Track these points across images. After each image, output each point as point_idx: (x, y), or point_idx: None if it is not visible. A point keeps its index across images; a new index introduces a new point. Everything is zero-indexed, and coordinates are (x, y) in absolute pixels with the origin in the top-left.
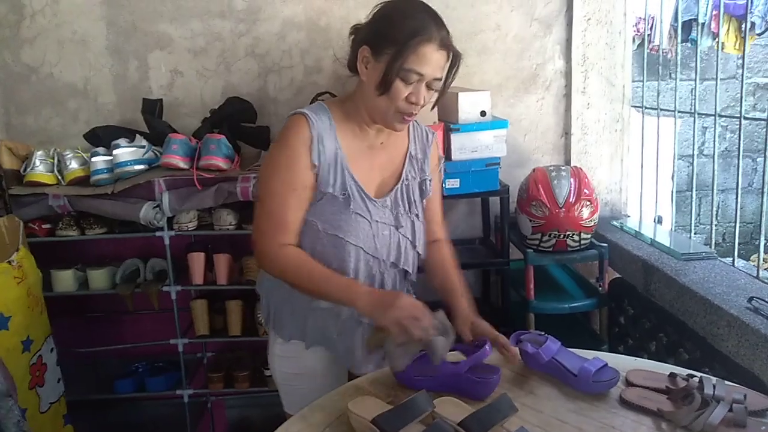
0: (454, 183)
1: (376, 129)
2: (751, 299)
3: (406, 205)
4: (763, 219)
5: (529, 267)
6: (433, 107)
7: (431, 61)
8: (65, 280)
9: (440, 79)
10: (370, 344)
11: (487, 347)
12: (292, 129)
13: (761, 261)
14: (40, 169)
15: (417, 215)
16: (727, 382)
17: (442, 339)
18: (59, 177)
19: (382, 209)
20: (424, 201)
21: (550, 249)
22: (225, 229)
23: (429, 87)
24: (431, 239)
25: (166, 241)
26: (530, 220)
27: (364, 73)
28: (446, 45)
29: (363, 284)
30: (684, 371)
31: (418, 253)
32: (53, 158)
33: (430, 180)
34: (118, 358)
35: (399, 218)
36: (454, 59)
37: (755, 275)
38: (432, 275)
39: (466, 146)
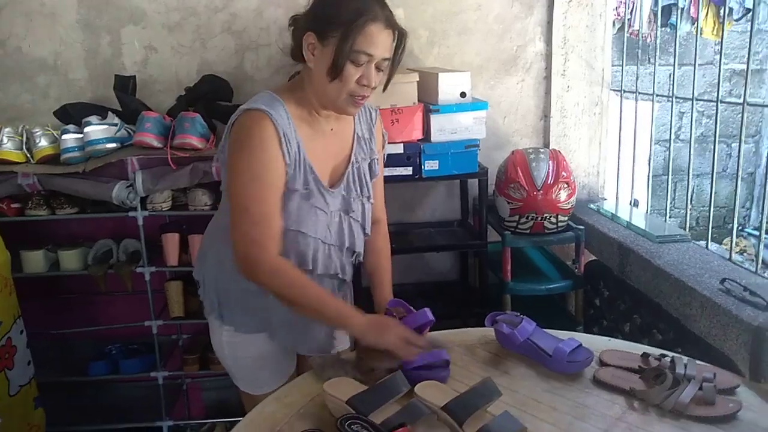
0: (433, 165)
1: (326, 115)
2: (723, 281)
3: (358, 189)
4: (737, 203)
5: (506, 249)
6: (384, 89)
7: (379, 40)
8: (35, 260)
9: (388, 59)
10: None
11: (427, 312)
12: (260, 129)
13: (734, 244)
14: (8, 146)
15: (368, 197)
16: (698, 362)
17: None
18: (28, 155)
19: (337, 197)
20: (372, 181)
21: (528, 231)
22: (200, 209)
23: (378, 68)
24: (372, 220)
25: (140, 222)
26: (508, 203)
27: (311, 60)
28: (392, 24)
29: (354, 308)
30: (657, 351)
31: (366, 234)
32: (22, 135)
33: (377, 159)
34: (91, 340)
35: (351, 203)
36: (400, 38)
37: (728, 257)
38: (365, 258)
39: (445, 128)
